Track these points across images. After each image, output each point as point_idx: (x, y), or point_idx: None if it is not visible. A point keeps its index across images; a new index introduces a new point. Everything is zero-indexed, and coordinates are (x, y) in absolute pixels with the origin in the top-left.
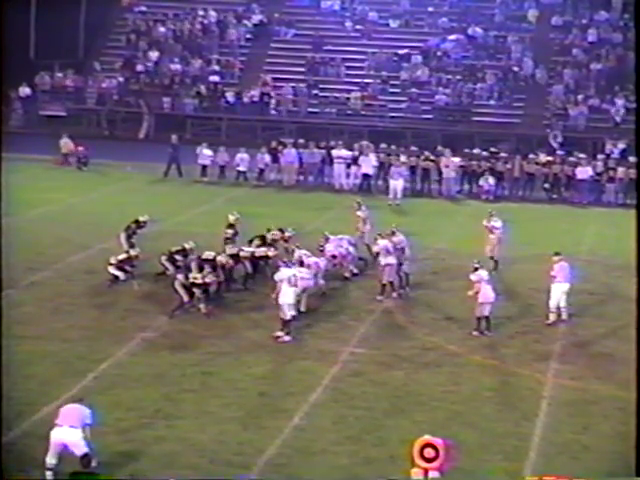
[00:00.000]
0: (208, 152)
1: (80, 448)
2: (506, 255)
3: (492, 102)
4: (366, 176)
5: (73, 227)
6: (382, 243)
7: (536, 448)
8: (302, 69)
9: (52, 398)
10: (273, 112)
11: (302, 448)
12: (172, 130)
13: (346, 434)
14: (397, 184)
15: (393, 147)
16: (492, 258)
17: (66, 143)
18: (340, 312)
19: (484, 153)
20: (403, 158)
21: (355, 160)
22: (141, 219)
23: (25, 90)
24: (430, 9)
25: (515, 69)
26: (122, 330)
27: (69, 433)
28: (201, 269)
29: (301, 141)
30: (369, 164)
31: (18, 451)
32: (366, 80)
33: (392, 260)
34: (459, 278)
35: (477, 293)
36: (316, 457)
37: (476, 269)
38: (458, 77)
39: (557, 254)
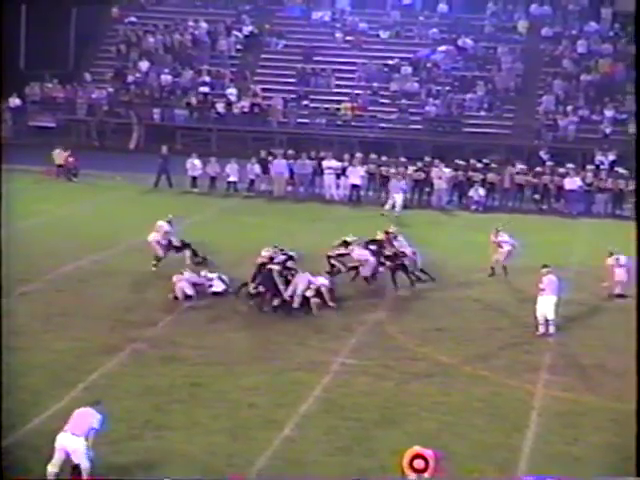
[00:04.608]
0: (198, 163)
1: (79, 457)
2: (496, 266)
3: (482, 113)
4: (355, 187)
5: (63, 238)
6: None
7: (526, 459)
8: (292, 80)
9: (43, 409)
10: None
11: (293, 459)
12: (162, 141)
13: (337, 445)
14: (397, 197)
15: (384, 158)
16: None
17: (59, 154)
18: (331, 323)
19: (478, 164)
20: (407, 170)
21: (345, 171)
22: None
23: (15, 101)
24: (420, 19)
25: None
26: (112, 341)
27: (70, 440)
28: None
29: (291, 152)
30: (357, 175)
31: (10, 461)
32: (356, 91)
33: None
34: (450, 289)
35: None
36: (307, 468)
37: None
38: (448, 88)
39: (545, 267)
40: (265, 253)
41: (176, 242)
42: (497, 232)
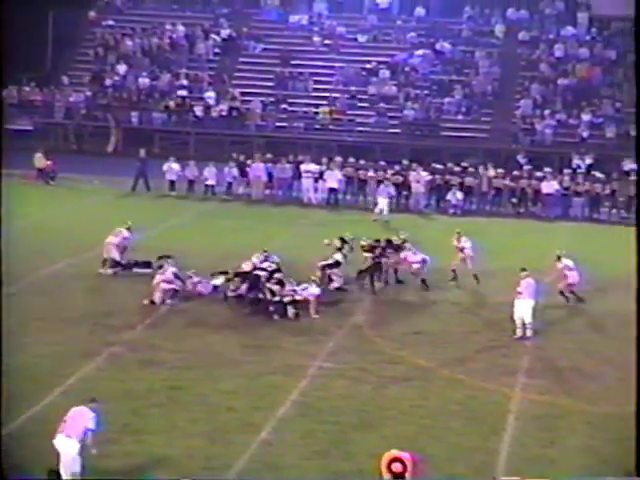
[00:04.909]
0: (176, 166)
1: (66, 461)
2: (473, 269)
3: (460, 117)
4: (332, 190)
5: (41, 241)
6: None
7: (504, 462)
8: (270, 83)
9: (19, 413)
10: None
11: (270, 463)
12: (140, 144)
13: (314, 448)
14: (384, 202)
15: (362, 161)
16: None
17: (39, 158)
18: (308, 327)
19: (456, 168)
20: (385, 173)
21: (322, 174)
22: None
23: None
24: (398, 23)
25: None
26: (90, 345)
27: (63, 442)
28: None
29: (269, 156)
30: (334, 178)
31: None
32: (334, 94)
33: None
34: (428, 292)
35: None
36: (284, 472)
37: None
38: (426, 92)
39: (524, 270)
40: (255, 259)
41: (123, 260)
42: (459, 236)
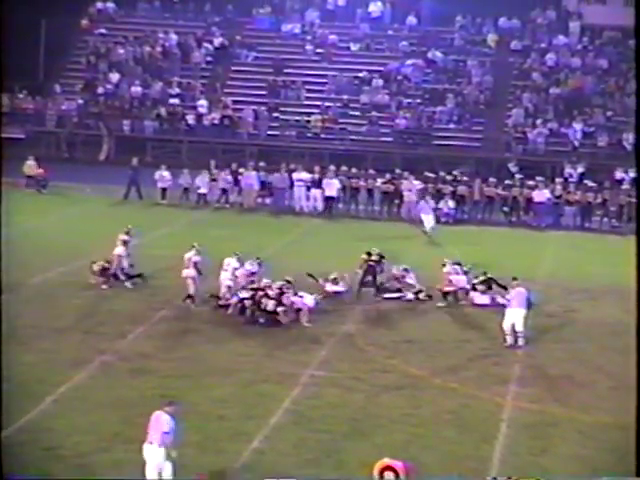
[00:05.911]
0: (166, 174)
1: (162, 467)
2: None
3: (452, 125)
4: (329, 199)
5: (32, 250)
6: None
7: (495, 471)
8: (263, 92)
9: (10, 422)
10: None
11: (262, 472)
12: (132, 152)
13: (306, 457)
14: (428, 218)
15: (354, 170)
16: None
17: (30, 166)
18: (300, 335)
19: (448, 177)
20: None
21: (315, 183)
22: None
23: None
24: (390, 32)
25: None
26: (81, 353)
27: (148, 450)
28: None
29: (262, 164)
30: (333, 187)
31: None
32: (326, 103)
33: None
34: (420, 300)
35: None
36: None
37: None
38: (418, 100)
39: (515, 279)
40: (249, 266)
41: (118, 273)
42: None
